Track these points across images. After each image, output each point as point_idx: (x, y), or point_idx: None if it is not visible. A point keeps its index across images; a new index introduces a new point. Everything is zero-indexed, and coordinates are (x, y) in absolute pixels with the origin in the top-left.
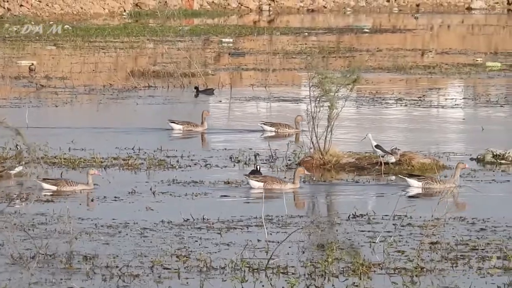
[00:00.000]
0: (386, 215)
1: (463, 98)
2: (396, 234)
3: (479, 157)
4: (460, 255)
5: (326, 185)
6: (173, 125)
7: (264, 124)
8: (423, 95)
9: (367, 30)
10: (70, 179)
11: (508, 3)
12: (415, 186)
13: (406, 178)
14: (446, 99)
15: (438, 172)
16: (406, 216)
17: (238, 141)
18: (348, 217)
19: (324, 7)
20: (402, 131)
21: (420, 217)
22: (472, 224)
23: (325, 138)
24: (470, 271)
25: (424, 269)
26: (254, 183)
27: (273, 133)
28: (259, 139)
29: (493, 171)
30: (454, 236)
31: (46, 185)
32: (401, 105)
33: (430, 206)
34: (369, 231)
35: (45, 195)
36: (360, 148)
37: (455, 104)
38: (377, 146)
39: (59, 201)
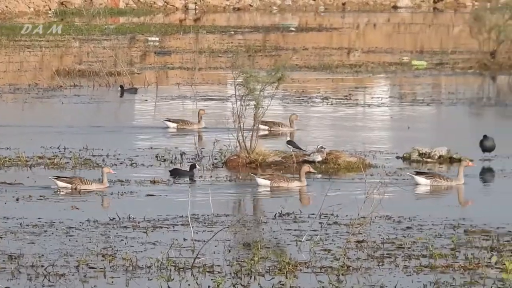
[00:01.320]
0: (313, 214)
1: (389, 97)
2: (322, 232)
3: (405, 155)
4: (387, 254)
5: (252, 184)
6: (168, 123)
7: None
8: (349, 94)
9: (293, 29)
10: (85, 177)
11: (434, 2)
12: (423, 183)
13: (413, 175)
14: (372, 97)
15: (364, 171)
16: (332, 214)
17: (164, 140)
18: (274, 216)
19: (250, 5)
20: (329, 130)
21: (347, 215)
22: (398, 223)
23: (251, 137)
24: (396, 270)
25: (351, 268)
26: (261, 181)
27: (266, 132)
28: (185, 138)
29: (419, 169)
30: (380, 235)
31: (60, 183)
32: (327, 104)
33: (357, 204)
34: (295, 230)
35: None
36: (286, 147)
37: (381, 103)
38: (289, 142)
39: None
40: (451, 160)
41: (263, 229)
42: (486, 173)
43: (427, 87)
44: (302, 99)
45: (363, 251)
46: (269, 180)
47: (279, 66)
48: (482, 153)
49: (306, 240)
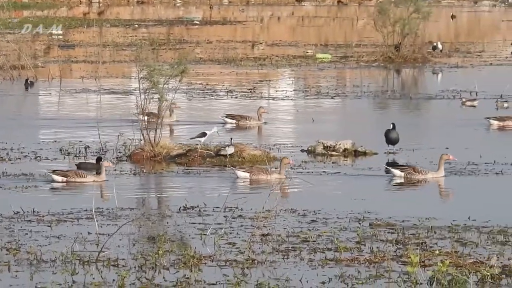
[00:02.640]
0: (217, 207)
1: (294, 90)
2: (227, 226)
3: (309, 148)
4: (291, 247)
5: (156, 177)
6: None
7: (225, 117)
8: (254, 87)
9: (197, 22)
10: (80, 170)
11: None
12: (398, 175)
13: (390, 168)
14: (276, 91)
15: (269, 164)
16: (237, 208)
17: (68, 133)
18: (179, 209)
19: None
20: (234, 124)
21: (251, 209)
22: (303, 216)
23: (156, 130)
24: (302, 263)
25: (255, 261)
26: (240, 173)
27: (234, 125)
28: (89, 131)
29: (324, 162)
30: (285, 228)
31: (56, 177)
32: (232, 97)
33: (261, 198)
34: (200, 223)
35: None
36: (190, 140)
37: (286, 96)
38: (203, 134)
39: None
40: (356, 153)
41: (167, 222)
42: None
43: (331, 80)
44: (207, 93)
45: (268, 245)
46: (248, 172)
47: (182, 59)
48: (386, 146)
49: (210, 233)
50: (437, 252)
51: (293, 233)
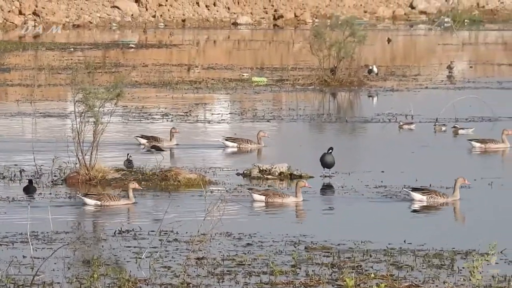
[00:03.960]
0: (153, 231)
1: (230, 113)
2: (162, 249)
3: (245, 172)
4: (227, 270)
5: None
6: (140, 139)
7: (226, 139)
8: (190, 110)
9: (133, 46)
10: (112, 193)
11: (274, 18)
12: (419, 199)
13: (410, 191)
14: (212, 114)
15: (204, 188)
16: (172, 231)
17: (3, 157)
18: (114, 233)
19: (90, 22)
20: (170, 147)
21: (187, 232)
22: (238, 240)
23: (91, 154)
24: (237, 286)
25: (191, 285)
26: (256, 196)
27: (235, 149)
28: (25, 155)
29: (260, 186)
30: (220, 252)
31: (89, 201)
32: (167, 120)
33: (197, 221)
34: (135, 247)
35: None
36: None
37: (222, 119)
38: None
39: None
40: (292, 177)
41: (102, 246)
42: (326, 190)
43: (267, 104)
44: (142, 116)
45: (203, 268)
46: (264, 195)
47: (117, 83)
48: (322, 169)
49: (146, 257)
50: (372, 275)
51: (228, 257)
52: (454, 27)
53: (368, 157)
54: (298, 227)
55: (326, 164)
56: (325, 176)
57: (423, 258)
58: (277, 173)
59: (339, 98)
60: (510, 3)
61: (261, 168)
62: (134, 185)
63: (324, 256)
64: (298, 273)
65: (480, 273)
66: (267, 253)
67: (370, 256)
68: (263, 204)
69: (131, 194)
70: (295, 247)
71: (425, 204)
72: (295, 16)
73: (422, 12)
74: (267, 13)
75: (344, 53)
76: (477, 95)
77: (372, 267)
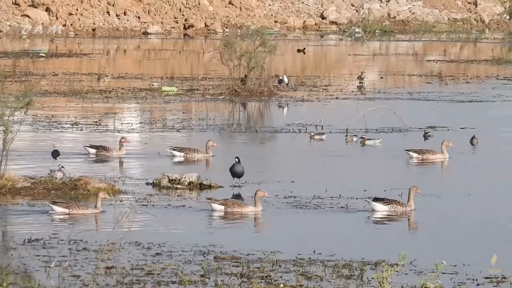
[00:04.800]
0: (62, 240)
1: (140, 123)
2: (71, 258)
3: (155, 181)
4: (136, 280)
5: (0, 210)
6: (89, 149)
7: (173, 149)
8: (99, 120)
9: (43, 54)
10: (81, 202)
11: (185, 28)
12: (381, 210)
13: (370, 202)
14: (122, 123)
15: (114, 197)
16: (82, 240)
17: None
18: (23, 242)
19: (0, 31)
20: (77, 155)
21: (96, 241)
22: (148, 249)
23: (0, 162)
24: None
25: None
26: (215, 206)
27: (182, 158)
28: None
29: (169, 195)
30: (129, 261)
31: (57, 208)
32: (77, 129)
33: (107, 231)
34: (44, 256)
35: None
36: (37, 172)
37: (132, 129)
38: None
39: None
40: (201, 186)
41: (12, 255)
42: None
43: (177, 113)
44: (52, 125)
45: (112, 277)
46: (223, 205)
47: (27, 91)
48: (232, 179)
49: (55, 266)
50: (281, 285)
51: (137, 266)
52: (365, 38)
53: (278, 167)
54: (207, 237)
55: (235, 173)
56: (235, 186)
57: (332, 268)
58: (186, 183)
59: (249, 108)
60: (421, 14)
61: (170, 178)
62: (103, 194)
63: (233, 266)
64: (207, 283)
65: (390, 283)
66: (176, 262)
67: (280, 266)
68: (173, 214)
69: (99, 203)
70: (204, 256)
71: (385, 214)
72: (206, 25)
73: (332, 23)
74: (177, 23)
75: (255, 63)
76: (387, 106)
77: (281, 277)
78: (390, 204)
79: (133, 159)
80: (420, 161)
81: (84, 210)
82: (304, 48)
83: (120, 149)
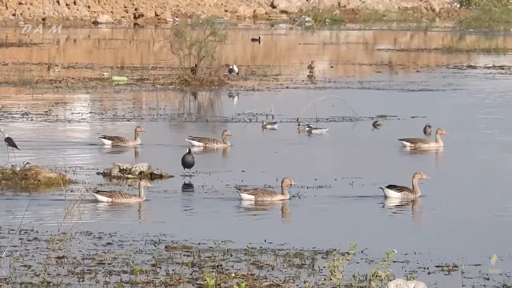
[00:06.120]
0: (13, 230)
1: (90, 113)
2: (22, 248)
3: (105, 171)
4: (87, 270)
5: None
6: (104, 140)
7: (192, 139)
8: (50, 110)
9: None
10: (124, 191)
11: (135, 17)
12: (395, 197)
13: (384, 188)
14: (72, 113)
15: (65, 186)
16: (32, 230)
17: None
18: None
19: None
20: (31, 146)
21: (47, 231)
22: (99, 239)
23: None
24: (97, 286)
25: (51, 284)
26: (244, 195)
27: (201, 148)
28: None
29: (120, 185)
30: (80, 251)
31: (100, 197)
32: (27, 120)
33: (57, 220)
34: None
35: None
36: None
37: (82, 119)
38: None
39: None
40: (152, 176)
41: None
42: (187, 189)
43: (128, 103)
44: (2, 115)
45: (63, 267)
46: (253, 194)
47: None
48: (183, 169)
49: (6, 256)
50: (233, 274)
51: (88, 256)
52: (315, 27)
53: (230, 156)
54: (158, 226)
55: (186, 163)
56: (186, 176)
57: (283, 257)
58: (137, 173)
59: (199, 98)
60: (371, 3)
61: (121, 168)
62: (145, 183)
63: (184, 255)
64: (159, 272)
65: (341, 272)
66: (128, 252)
67: (231, 255)
68: (124, 203)
69: (142, 191)
70: (155, 246)
71: (397, 201)
72: (156, 15)
73: (283, 12)
74: (127, 12)
75: (205, 52)
76: (338, 95)
77: (232, 267)
78: (402, 191)
79: (85, 149)
80: (413, 150)
81: (127, 199)
82: (259, 37)
83: (135, 138)
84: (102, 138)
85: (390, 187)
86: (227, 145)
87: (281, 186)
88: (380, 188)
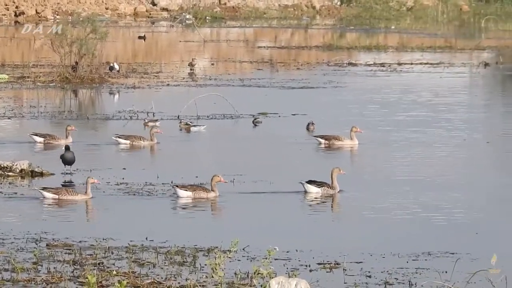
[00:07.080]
0: None
1: None
2: None
3: None
4: None
5: None
6: (35, 138)
7: (119, 137)
8: None
9: None
10: (71, 188)
11: (16, 15)
12: (314, 192)
13: (304, 183)
14: None
15: None
16: None
17: None
18: None
19: None
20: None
21: None
22: None
23: None
24: None
25: None
26: (182, 192)
27: (128, 146)
28: None
29: (1, 183)
30: None
31: (46, 194)
32: None
33: None
34: None
35: None
36: None
37: None
38: None
39: None
40: (33, 174)
41: None
42: (68, 187)
43: (8, 101)
44: None
45: None
46: (191, 191)
47: None
48: (63, 166)
49: None
50: (114, 272)
51: None
52: (196, 24)
53: (110, 154)
54: (39, 224)
55: (66, 161)
56: (66, 173)
57: (165, 255)
58: (18, 170)
59: (80, 95)
60: (252, 0)
61: (1, 165)
62: (92, 180)
63: (66, 253)
64: (40, 270)
65: (223, 270)
66: (9, 250)
67: (112, 253)
68: (4, 202)
69: (89, 188)
70: (36, 244)
71: (317, 196)
72: (37, 12)
73: (163, 9)
74: (8, 10)
75: (86, 50)
76: (219, 93)
77: (114, 264)
78: (322, 186)
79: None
80: (327, 147)
81: (74, 196)
82: (144, 35)
83: (67, 137)
84: (34, 135)
85: (310, 182)
86: (154, 142)
87: (211, 184)
88: (300, 183)
